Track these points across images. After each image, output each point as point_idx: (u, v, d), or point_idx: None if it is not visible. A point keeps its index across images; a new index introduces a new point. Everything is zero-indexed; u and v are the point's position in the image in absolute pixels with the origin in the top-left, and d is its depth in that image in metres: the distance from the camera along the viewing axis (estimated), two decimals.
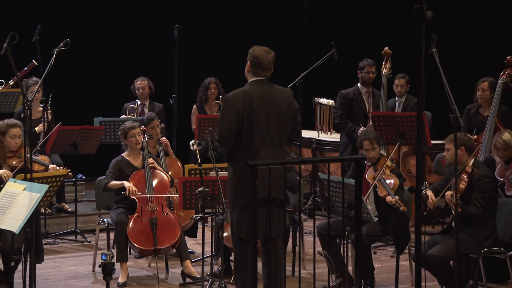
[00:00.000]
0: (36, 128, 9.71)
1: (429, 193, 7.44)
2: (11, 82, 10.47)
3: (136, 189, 8.22)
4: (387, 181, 7.77)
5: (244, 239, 6.47)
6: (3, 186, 6.85)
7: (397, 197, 7.64)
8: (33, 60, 10.02)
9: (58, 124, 9.60)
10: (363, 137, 8.02)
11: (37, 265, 7.32)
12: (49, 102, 9.93)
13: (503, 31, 11.84)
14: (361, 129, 9.64)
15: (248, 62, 6.66)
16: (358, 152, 8.23)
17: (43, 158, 8.53)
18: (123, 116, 10.68)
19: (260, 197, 6.18)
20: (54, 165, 8.31)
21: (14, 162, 7.78)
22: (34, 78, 9.76)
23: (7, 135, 7.78)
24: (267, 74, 6.65)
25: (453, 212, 7.20)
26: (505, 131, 8.26)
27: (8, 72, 10.38)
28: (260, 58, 6.61)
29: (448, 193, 7.25)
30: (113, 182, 8.32)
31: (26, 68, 10.31)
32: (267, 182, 6.17)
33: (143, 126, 8.81)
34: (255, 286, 6.17)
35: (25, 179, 6.81)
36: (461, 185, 7.32)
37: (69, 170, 8.39)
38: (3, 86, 10.55)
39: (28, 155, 6.96)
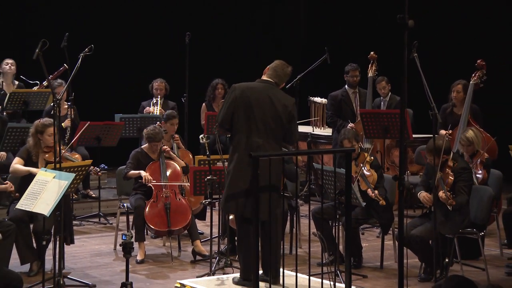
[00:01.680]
0: (63, 124, 9.70)
1: (423, 193, 7.40)
2: (45, 83, 10.46)
3: (151, 178, 8.22)
4: (367, 174, 7.77)
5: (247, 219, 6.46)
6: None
7: (376, 191, 7.65)
8: (65, 64, 10.01)
9: (87, 124, 9.55)
10: (342, 137, 8.02)
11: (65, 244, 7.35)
12: (71, 101, 9.93)
13: (474, 38, 11.83)
14: (349, 125, 9.65)
15: (269, 66, 6.68)
16: None
17: (77, 157, 8.50)
18: (145, 110, 10.68)
19: (261, 184, 6.17)
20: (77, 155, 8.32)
21: (48, 156, 7.77)
22: (59, 80, 9.77)
23: (45, 134, 7.76)
24: (278, 81, 6.63)
25: (449, 208, 7.16)
26: (470, 129, 8.28)
27: (42, 74, 10.46)
28: (278, 66, 6.64)
29: (441, 193, 7.19)
30: (132, 172, 8.32)
31: (57, 71, 10.31)
32: (264, 170, 6.15)
33: (159, 122, 8.79)
34: (257, 263, 6.18)
35: (54, 168, 6.82)
36: (449, 179, 7.28)
37: (93, 167, 8.39)
38: (38, 87, 10.55)
39: (58, 148, 6.99)
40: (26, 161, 7.78)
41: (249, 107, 6.45)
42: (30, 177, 7.40)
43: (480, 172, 8.07)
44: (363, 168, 7.80)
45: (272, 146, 6.52)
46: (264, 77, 6.66)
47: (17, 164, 7.76)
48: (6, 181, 7.66)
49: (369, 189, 7.69)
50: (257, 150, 6.31)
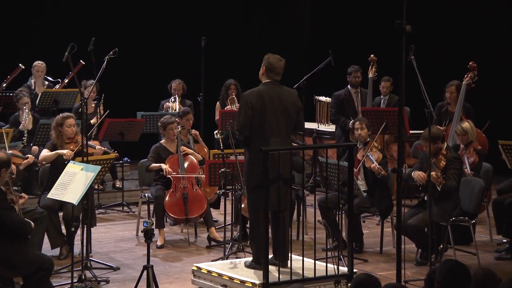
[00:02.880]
0: (92, 121, 9.73)
1: (417, 172, 7.40)
2: (66, 80, 10.47)
3: (171, 170, 8.23)
4: (374, 156, 7.80)
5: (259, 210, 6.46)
6: (67, 163, 6.87)
7: (379, 166, 7.65)
8: (80, 60, 10.02)
9: (106, 112, 9.58)
10: (355, 120, 8.09)
11: (92, 230, 7.36)
12: (102, 100, 9.97)
13: (467, 42, 11.80)
14: (351, 122, 9.65)
15: (264, 67, 6.56)
16: (350, 138, 8.23)
17: (94, 143, 8.53)
18: (165, 105, 10.69)
19: (272, 176, 6.18)
20: (101, 147, 8.32)
21: (71, 147, 7.80)
22: (91, 81, 9.78)
23: (64, 125, 7.77)
24: (278, 78, 6.57)
25: (438, 188, 7.19)
26: (466, 121, 8.36)
27: (60, 72, 10.49)
28: (274, 64, 6.52)
29: (433, 173, 7.20)
30: (153, 165, 8.33)
31: (75, 68, 10.28)
32: (277, 164, 6.16)
33: (178, 118, 8.81)
34: (267, 249, 6.19)
35: (82, 161, 6.85)
36: (441, 163, 7.32)
37: (117, 153, 8.41)
38: (60, 85, 10.54)
39: (85, 142, 7.01)
40: None
41: (264, 111, 6.39)
42: (57, 167, 7.43)
43: (472, 158, 8.10)
44: (369, 150, 7.82)
45: (288, 142, 6.57)
46: (266, 80, 6.55)
47: (45, 152, 7.73)
48: (27, 155, 7.66)
49: (373, 165, 7.68)
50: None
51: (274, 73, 6.55)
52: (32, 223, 6.16)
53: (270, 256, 6.43)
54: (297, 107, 6.60)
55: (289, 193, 6.58)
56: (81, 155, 7.04)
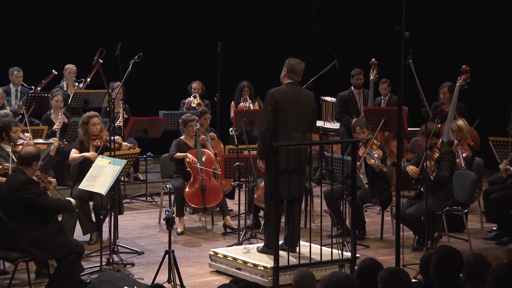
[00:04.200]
0: (116, 123, 9.74)
1: (410, 166, 7.40)
2: (88, 80, 10.48)
3: (196, 160, 8.24)
4: (374, 153, 7.79)
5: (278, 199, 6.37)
6: (91, 164, 6.90)
7: (380, 162, 7.65)
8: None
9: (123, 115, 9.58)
10: (355, 124, 8.04)
11: (119, 217, 7.37)
12: (123, 101, 9.99)
13: (460, 46, 11.75)
14: (353, 122, 9.64)
15: (285, 69, 6.55)
16: (353, 137, 8.22)
17: (118, 139, 8.56)
18: (187, 100, 10.70)
19: (290, 167, 6.18)
20: (126, 143, 8.35)
21: (97, 143, 7.83)
22: (118, 83, 9.80)
23: (90, 124, 7.79)
24: (298, 79, 6.57)
25: (431, 177, 7.18)
26: (460, 119, 8.37)
27: (82, 73, 10.53)
28: (295, 66, 6.53)
29: (428, 163, 7.21)
30: (178, 154, 8.32)
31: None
32: (294, 157, 6.14)
33: (197, 117, 8.82)
34: (277, 235, 6.20)
35: (109, 156, 6.88)
36: (435, 155, 7.33)
37: (140, 149, 8.44)
38: (82, 84, 10.54)
39: (110, 138, 7.04)
40: (80, 150, 7.83)
41: (287, 108, 6.39)
42: (85, 163, 7.55)
43: (466, 153, 8.10)
44: (370, 148, 7.81)
45: (306, 138, 6.60)
46: (288, 81, 6.54)
47: (73, 154, 7.83)
48: (50, 140, 7.70)
49: (374, 161, 7.68)
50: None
51: (295, 75, 6.54)
52: (72, 200, 6.23)
53: (281, 242, 6.44)
54: (314, 108, 6.64)
55: (302, 184, 6.59)
56: (109, 150, 7.07)
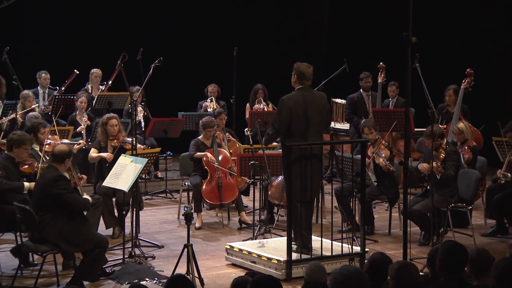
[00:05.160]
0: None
1: (422, 164, 7.38)
2: (110, 82, 10.52)
3: (214, 159, 8.26)
4: (382, 153, 7.77)
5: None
6: (108, 165, 6.93)
7: (388, 162, 7.63)
8: (75, 70, 10.14)
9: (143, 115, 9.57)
10: (363, 125, 8.02)
11: (140, 213, 7.40)
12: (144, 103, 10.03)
13: (465, 51, 11.69)
14: (361, 122, 9.62)
15: (295, 75, 6.48)
16: (362, 137, 8.20)
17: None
18: (204, 104, 10.71)
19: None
20: (139, 145, 8.36)
21: (114, 143, 7.86)
22: (137, 87, 9.85)
23: (108, 125, 7.82)
24: (308, 83, 6.51)
25: (438, 176, 7.17)
26: (461, 122, 8.35)
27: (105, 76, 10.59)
28: (304, 71, 6.46)
29: (434, 164, 7.18)
30: (198, 153, 8.32)
31: (113, 74, 10.33)
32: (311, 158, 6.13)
33: (213, 118, 8.84)
34: (290, 230, 6.16)
35: (132, 155, 6.91)
36: (441, 156, 7.30)
37: (160, 148, 8.46)
38: (104, 86, 10.59)
39: (132, 139, 7.06)
40: (99, 150, 7.87)
41: (301, 113, 6.34)
42: (102, 162, 7.69)
43: (467, 155, 8.05)
44: (378, 148, 7.79)
45: (321, 138, 6.57)
46: (299, 86, 6.49)
47: (92, 153, 7.88)
48: (79, 141, 7.74)
49: (382, 161, 7.66)
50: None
51: (305, 79, 6.49)
52: (89, 198, 6.29)
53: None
54: (327, 109, 6.61)
55: (319, 184, 6.53)
56: (124, 150, 7.10)
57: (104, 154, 7.72)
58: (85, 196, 6.29)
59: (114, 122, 7.80)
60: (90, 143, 8.34)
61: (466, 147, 8.04)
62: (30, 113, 8.48)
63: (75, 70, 10.39)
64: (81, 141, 7.72)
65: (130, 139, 7.91)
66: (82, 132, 9.32)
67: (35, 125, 7.32)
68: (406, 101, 5.58)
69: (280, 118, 6.39)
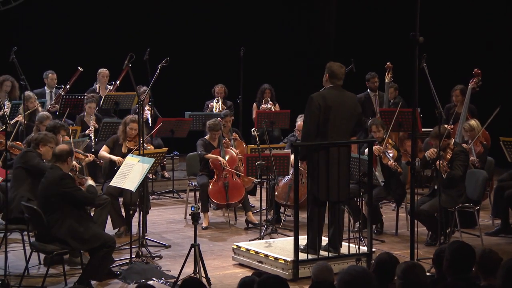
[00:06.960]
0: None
1: (431, 149, 7.35)
2: (118, 82, 10.55)
3: (226, 162, 8.24)
4: (390, 153, 7.77)
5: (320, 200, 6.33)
6: (117, 169, 6.95)
7: (395, 163, 7.62)
8: (78, 67, 10.11)
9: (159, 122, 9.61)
10: (371, 123, 8.03)
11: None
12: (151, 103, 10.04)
13: (473, 51, 11.67)
14: (369, 122, 9.61)
15: (327, 74, 6.43)
16: (369, 136, 8.20)
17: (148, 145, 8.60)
18: (210, 105, 10.72)
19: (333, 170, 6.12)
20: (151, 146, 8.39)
21: (130, 144, 7.89)
22: (144, 87, 9.86)
23: (128, 126, 7.87)
24: (340, 83, 6.43)
25: (443, 176, 7.15)
26: (472, 119, 8.38)
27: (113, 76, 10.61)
28: (336, 71, 6.41)
29: (441, 163, 7.16)
30: (209, 155, 8.32)
31: (121, 74, 10.37)
32: (333, 159, 6.10)
33: (220, 119, 8.85)
34: (297, 231, 6.15)
35: (139, 154, 6.92)
36: (448, 155, 7.29)
37: (167, 148, 8.48)
38: (112, 86, 10.61)
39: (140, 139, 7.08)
40: (111, 149, 7.90)
41: (328, 112, 6.26)
42: (112, 163, 7.69)
43: (478, 148, 8.08)
44: (385, 147, 7.78)
45: (348, 139, 6.50)
46: (330, 85, 6.41)
47: (103, 151, 7.90)
48: (87, 153, 7.79)
49: (390, 161, 7.65)
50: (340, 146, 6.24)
51: (336, 79, 6.43)
52: (93, 183, 6.36)
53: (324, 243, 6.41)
54: (358, 111, 6.54)
55: (344, 187, 6.35)
56: (138, 149, 7.11)
57: (114, 158, 7.72)
58: (90, 181, 6.32)
59: (134, 126, 7.82)
60: (101, 162, 8.25)
61: (478, 142, 8.08)
62: (41, 113, 8.50)
63: (79, 68, 10.42)
64: (89, 155, 7.71)
65: (149, 147, 7.96)
66: (91, 134, 9.35)
67: (58, 126, 7.35)
68: (413, 100, 5.56)
69: (309, 115, 6.26)
